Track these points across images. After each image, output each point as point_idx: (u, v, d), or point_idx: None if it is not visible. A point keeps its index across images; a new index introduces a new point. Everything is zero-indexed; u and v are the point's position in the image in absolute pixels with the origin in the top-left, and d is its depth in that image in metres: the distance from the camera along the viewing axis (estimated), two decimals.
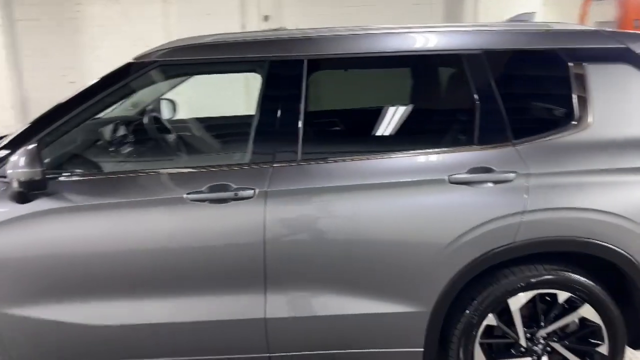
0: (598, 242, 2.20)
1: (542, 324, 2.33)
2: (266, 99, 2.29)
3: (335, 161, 2.27)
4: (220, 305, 2.27)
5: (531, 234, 2.20)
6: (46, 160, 2.24)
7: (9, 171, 2.06)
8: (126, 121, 3.19)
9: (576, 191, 2.21)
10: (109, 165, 2.53)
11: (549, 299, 2.31)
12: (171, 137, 3.06)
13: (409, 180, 2.21)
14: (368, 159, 2.28)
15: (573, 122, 2.27)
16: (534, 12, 2.78)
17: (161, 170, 2.29)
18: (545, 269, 2.26)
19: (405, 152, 2.28)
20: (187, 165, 2.34)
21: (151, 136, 3.03)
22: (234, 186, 2.20)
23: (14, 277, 2.21)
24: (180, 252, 2.20)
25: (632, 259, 2.21)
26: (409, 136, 2.51)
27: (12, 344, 2.29)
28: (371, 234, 2.21)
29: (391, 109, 2.52)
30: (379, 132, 2.51)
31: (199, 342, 2.32)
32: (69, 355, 2.33)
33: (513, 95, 2.34)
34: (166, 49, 2.36)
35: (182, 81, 3.64)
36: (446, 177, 2.20)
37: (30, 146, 2.08)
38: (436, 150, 2.28)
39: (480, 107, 2.28)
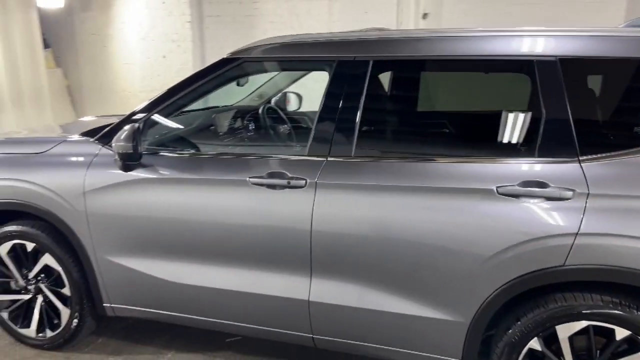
0: None
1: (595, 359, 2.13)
2: (328, 97, 2.43)
3: (386, 160, 2.33)
4: (270, 281, 2.50)
5: (584, 259, 2.03)
6: (152, 138, 2.68)
7: (113, 144, 2.53)
8: (245, 110, 3.58)
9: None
10: (206, 148, 2.88)
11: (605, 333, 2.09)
12: (265, 126, 3.35)
13: (456, 186, 2.19)
14: (419, 161, 2.29)
15: None
16: None
17: (237, 154, 2.58)
18: (602, 300, 2.06)
19: (457, 157, 2.25)
20: (258, 153, 2.57)
21: (257, 124, 3.36)
22: (289, 175, 2.39)
23: (115, 231, 2.69)
24: (240, 228, 2.47)
25: None
26: (465, 142, 2.46)
27: (110, 285, 2.78)
28: (414, 236, 2.24)
29: (451, 113, 2.48)
30: (434, 135, 2.49)
31: (250, 311, 2.58)
32: (150, 302, 2.76)
33: (585, 107, 2.15)
34: (250, 47, 2.63)
35: (303, 75, 3.94)
36: (494, 188, 2.13)
37: (131, 125, 2.52)
38: (489, 158, 2.21)
39: (547, 117, 2.14)
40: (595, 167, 2.06)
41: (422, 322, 2.31)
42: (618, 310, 2.03)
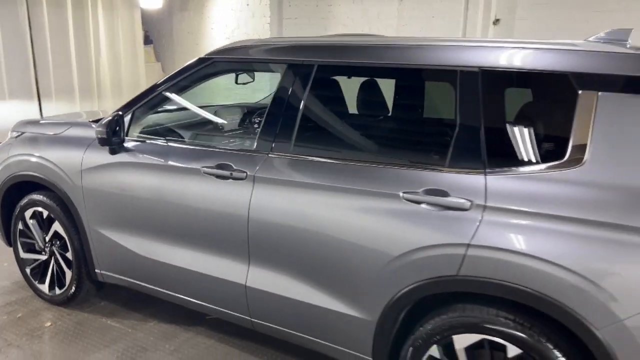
0: (552, 300, 1.90)
1: None
2: (276, 97, 2.60)
3: (316, 160, 2.46)
4: (216, 263, 2.73)
5: (475, 271, 2.03)
6: (135, 127, 3.02)
7: (94, 129, 2.91)
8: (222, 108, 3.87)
9: (532, 235, 1.94)
10: (175, 139, 3.10)
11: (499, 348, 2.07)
12: (231, 122, 3.58)
13: (368, 189, 2.27)
14: (341, 162, 2.39)
15: (563, 158, 1.97)
16: (631, 29, 2.32)
17: (199, 145, 2.84)
18: (498, 315, 2.04)
19: (375, 161, 2.32)
20: (216, 145, 2.80)
21: (226, 120, 3.63)
22: (234, 167, 2.60)
23: (101, 206, 3.07)
24: (193, 212, 2.73)
25: (593, 331, 1.84)
26: (386, 147, 2.50)
27: (99, 253, 3.18)
28: (329, 233, 2.35)
29: (378, 119, 2.53)
30: (359, 139, 2.56)
31: (201, 290, 2.83)
32: (127, 272, 3.11)
33: (498, 121, 2.13)
34: (221, 48, 2.87)
35: None
36: (400, 193, 2.19)
37: (113, 114, 2.87)
38: (403, 164, 2.26)
39: (460, 128, 2.16)
40: (498, 181, 2.05)
41: (337, 317, 2.41)
42: (510, 327, 2.01)
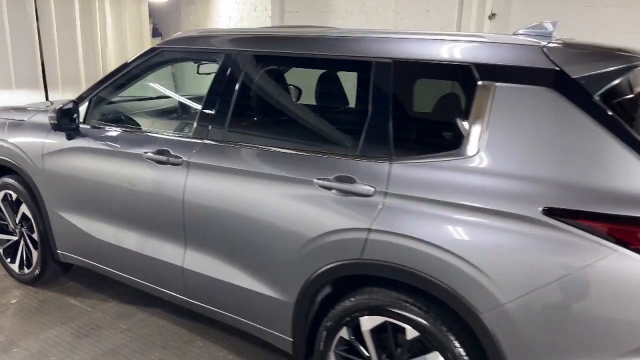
0: (441, 284, 1.95)
1: (390, 356, 2.17)
2: (213, 85, 2.69)
3: (243, 147, 2.54)
4: (158, 245, 2.84)
5: (375, 255, 2.10)
6: (92, 114, 3.15)
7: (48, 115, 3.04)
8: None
9: (425, 221, 1.99)
10: (125, 126, 3.17)
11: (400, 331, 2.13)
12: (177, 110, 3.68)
13: (287, 175, 2.34)
14: (264, 149, 2.47)
15: (458, 148, 2.01)
16: (557, 22, 2.34)
17: (145, 132, 2.95)
18: (398, 298, 2.10)
19: (295, 148, 2.40)
20: (158, 132, 2.91)
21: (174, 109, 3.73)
22: (171, 153, 2.71)
23: (59, 188, 3.21)
24: (136, 195, 2.85)
25: (477, 315, 1.89)
26: (305, 135, 2.57)
27: (58, 234, 3.33)
28: (252, 217, 2.44)
29: (296, 108, 2.62)
30: (280, 127, 2.64)
31: (145, 271, 2.95)
32: (83, 252, 3.25)
33: (405, 110, 2.18)
34: (171, 38, 2.97)
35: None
36: (314, 180, 2.26)
37: (67, 102, 3.00)
38: (320, 152, 2.32)
39: (370, 118, 2.22)
40: (400, 169, 2.10)
41: (261, 298, 2.50)
42: (408, 310, 2.06)
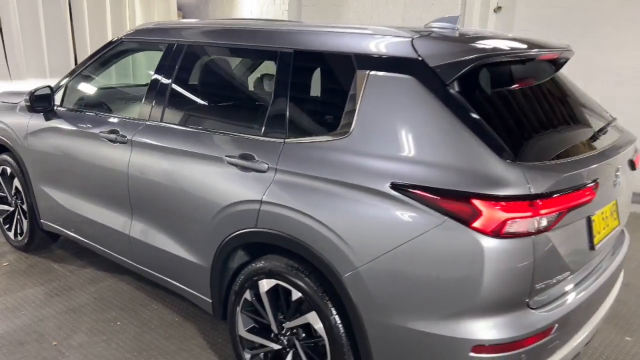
0: (313, 250, 2.18)
1: (284, 316, 2.42)
2: (155, 73, 2.99)
3: (173, 127, 2.84)
4: (112, 215, 3.18)
5: (265, 224, 2.34)
6: (66, 99, 3.52)
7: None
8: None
9: (300, 193, 2.22)
10: (90, 109, 3.48)
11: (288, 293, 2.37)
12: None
13: (203, 152, 2.62)
14: (188, 129, 2.77)
15: (338, 129, 2.23)
16: (458, 16, 2.51)
17: (103, 115, 3.30)
18: (287, 263, 2.34)
19: (214, 129, 2.67)
20: (114, 114, 3.25)
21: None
22: (120, 133, 3.04)
23: (38, 163, 3.61)
24: (94, 170, 3.20)
25: (339, 278, 2.11)
26: (224, 117, 2.84)
27: (40, 205, 3.74)
28: (177, 190, 2.74)
29: (218, 93, 2.90)
30: (203, 110, 2.94)
31: (104, 240, 3.31)
32: (59, 222, 3.65)
33: (301, 95, 2.41)
34: (130, 30, 3.29)
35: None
36: (223, 156, 2.52)
37: (40, 88, 3.39)
38: (233, 132, 2.58)
39: (272, 101, 2.46)
40: (290, 147, 2.33)
41: (187, 263, 2.79)
42: (292, 274, 2.30)
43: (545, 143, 2.10)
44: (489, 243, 1.84)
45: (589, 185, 2.03)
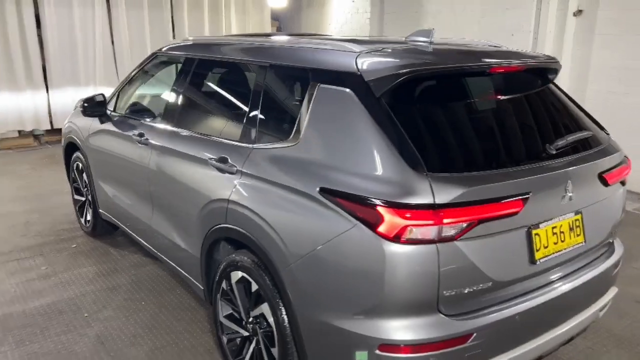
0: (263, 248, 2.41)
1: (250, 306, 2.67)
2: (172, 84, 3.39)
3: (176, 131, 3.22)
4: (140, 207, 3.64)
5: (231, 221, 2.62)
6: (120, 105, 4.06)
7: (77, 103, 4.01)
8: None
9: (254, 194, 2.47)
10: (129, 115, 3.97)
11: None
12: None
13: (195, 155, 2.96)
14: (186, 134, 3.14)
15: (291, 137, 2.44)
16: (433, 29, 2.61)
17: (137, 119, 3.77)
18: (248, 257, 2.59)
19: (204, 134, 3.01)
20: (142, 119, 3.70)
21: None
22: (145, 135, 3.48)
23: (94, 160, 4.19)
24: (129, 167, 3.68)
25: (279, 274, 2.33)
26: (213, 123, 3.12)
27: (98, 198, 4.32)
28: (177, 187, 3.12)
29: (211, 102, 3.20)
30: (198, 117, 3.23)
31: (136, 228, 3.78)
32: (109, 211, 4.20)
33: (269, 105, 2.66)
34: (164, 46, 3.73)
35: None
36: (208, 159, 2.84)
37: (95, 95, 3.95)
38: (219, 137, 2.88)
39: (247, 111, 2.74)
40: (254, 152, 2.58)
41: (185, 252, 3.14)
42: (252, 268, 2.54)
43: (463, 155, 2.15)
44: (390, 248, 1.95)
45: (512, 197, 2.05)
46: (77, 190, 4.86)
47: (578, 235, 2.39)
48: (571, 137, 2.41)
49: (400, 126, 2.09)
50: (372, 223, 1.98)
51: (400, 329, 2.02)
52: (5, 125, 8.15)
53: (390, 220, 1.94)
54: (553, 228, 2.28)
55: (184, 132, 3.15)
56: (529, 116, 2.47)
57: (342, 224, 2.07)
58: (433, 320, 2.03)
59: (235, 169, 2.62)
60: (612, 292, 2.75)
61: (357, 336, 2.07)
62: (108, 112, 4.07)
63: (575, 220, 2.37)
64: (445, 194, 1.94)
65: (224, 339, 2.89)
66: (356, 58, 2.29)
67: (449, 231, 1.95)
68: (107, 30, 8.68)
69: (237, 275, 2.68)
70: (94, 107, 3.95)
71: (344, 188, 2.09)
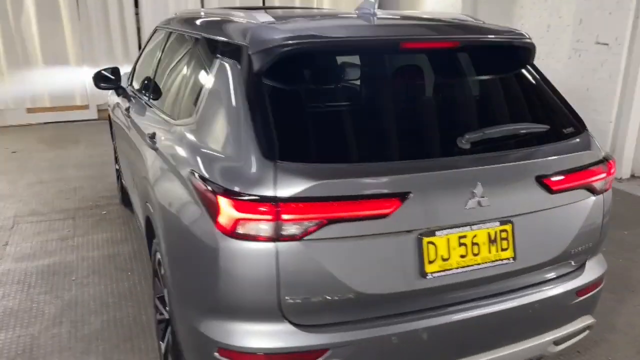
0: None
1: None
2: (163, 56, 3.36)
3: (142, 105, 3.22)
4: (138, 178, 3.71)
5: (148, 200, 2.56)
6: (131, 79, 4.16)
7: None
8: None
9: (157, 172, 2.42)
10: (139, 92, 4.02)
11: None
12: None
13: (142, 130, 2.93)
14: (146, 109, 3.13)
15: (192, 115, 2.29)
16: (375, 2, 2.31)
17: (137, 94, 3.81)
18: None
19: (156, 108, 2.95)
20: (141, 92, 3.72)
21: None
22: (130, 109, 3.52)
23: (115, 133, 4.36)
24: (125, 140, 3.76)
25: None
26: (161, 97, 3.01)
27: (121, 169, 4.47)
28: (134, 163, 3.12)
29: (167, 74, 3.06)
30: (156, 88, 3.12)
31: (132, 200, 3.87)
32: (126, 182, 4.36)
33: (188, 80, 2.55)
34: (164, 20, 3.73)
35: None
36: (146, 134, 2.79)
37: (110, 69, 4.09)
38: (160, 113, 2.81)
39: (177, 86, 2.65)
40: (172, 129, 2.48)
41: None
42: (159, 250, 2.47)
43: (328, 145, 1.85)
44: (225, 242, 1.75)
45: (379, 196, 1.73)
46: (117, 160, 5.11)
47: (504, 250, 1.97)
48: (495, 130, 1.97)
49: (268, 107, 1.86)
50: (212, 212, 1.79)
51: (239, 334, 1.82)
52: (104, 98, 8.84)
53: (226, 211, 1.73)
54: (460, 238, 1.89)
55: (146, 108, 3.13)
56: (445, 104, 2.07)
57: (195, 210, 1.90)
58: (279, 328, 1.80)
59: (156, 145, 2.54)
60: (581, 323, 2.26)
61: (203, 337, 1.90)
62: (124, 85, 4.18)
63: (502, 231, 1.95)
64: (290, 187, 1.69)
65: (158, 317, 2.84)
66: (251, 29, 2.07)
67: (290, 229, 1.70)
68: (199, 7, 9.01)
69: (156, 257, 2.61)
70: (98, 79, 4.02)
71: (203, 172, 1.91)
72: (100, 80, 4.04)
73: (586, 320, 2.28)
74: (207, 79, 2.23)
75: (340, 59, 2.06)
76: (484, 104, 2.11)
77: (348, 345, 1.81)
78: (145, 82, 3.38)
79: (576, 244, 2.12)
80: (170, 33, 3.24)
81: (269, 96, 1.87)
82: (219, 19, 2.49)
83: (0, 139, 7.47)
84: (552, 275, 2.14)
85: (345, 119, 1.98)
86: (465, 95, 2.11)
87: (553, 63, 6.83)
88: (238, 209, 1.70)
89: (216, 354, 1.85)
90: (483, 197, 1.86)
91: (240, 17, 2.31)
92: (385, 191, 1.75)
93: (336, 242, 1.74)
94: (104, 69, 4.08)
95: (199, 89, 2.39)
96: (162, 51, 3.27)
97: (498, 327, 2.04)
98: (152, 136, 2.63)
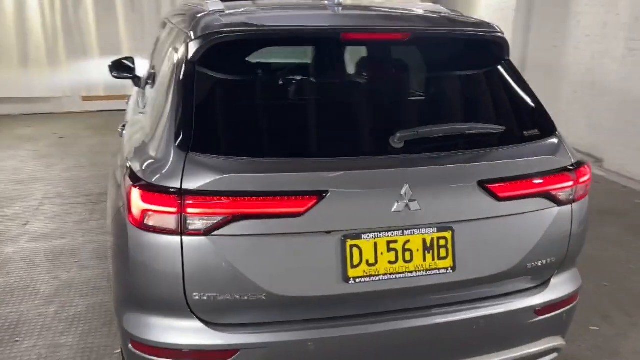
0: None
1: None
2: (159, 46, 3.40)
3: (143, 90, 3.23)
4: None
5: None
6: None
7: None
8: None
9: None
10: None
11: None
12: None
13: (130, 121, 2.95)
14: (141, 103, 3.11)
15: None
16: None
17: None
18: None
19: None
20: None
21: None
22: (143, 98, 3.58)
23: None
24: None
25: None
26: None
27: None
28: None
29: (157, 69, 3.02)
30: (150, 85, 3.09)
31: None
32: None
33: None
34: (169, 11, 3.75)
35: None
36: (122, 125, 2.82)
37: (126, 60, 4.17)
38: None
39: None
40: None
41: None
42: None
43: (245, 138, 1.77)
44: (133, 233, 1.72)
45: (291, 194, 1.64)
46: None
47: (442, 259, 1.82)
48: (429, 130, 1.81)
49: (194, 97, 1.81)
50: (128, 203, 1.76)
51: (150, 328, 1.79)
52: None
53: (135, 202, 1.70)
54: (389, 243, 1.76)
55: (140, 99, 3.17)
56: (383, 101, 1.92)
57: (121, 203, 1.88)
58: (187, 325, 1.75)
59: (123, 134, 2.55)
60: (546, 344, 2.06)
61: (122, 329, 1.89)
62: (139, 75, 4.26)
63: (440, 238, 1.80)
64: (197, 180, 1.63)
65: None
66: (195, 19, 2.03)
67: (196, 223, 1.64)
68: None
69: None
70: (115, 69, 4.11)
71: (130, 161, 1.90)
72: (114, 69, 4.13)
73: (553, 342, 2.08)
74: (165, 69, 2.21)
75: (273, 51, 1.97)
76: (434, 102, 1.95)
77: (260, 348, 1.73)
78: (145, 73, 3.42)
79: (533, 257, 1.92)
80: (165, 24, 3.26)
81: (197, 86, 1.82)
82: (189, 9, 2.46)
83: (53, 125, 7.87)
84: (504, 290, 1.96)
85: (266, 113, 1.89)
86: (409, 92, 1.96)
87: (609, 63, 6.36)
88: (145, 200, 1.67)
89: (130, 346, 1.82)
90: (413, 200, 1.72)
91: (201, 8, 2.27)
92: (298, 189, 1.65)
93: (245, 239, 1.66)
94: (121, 58, 4.17)
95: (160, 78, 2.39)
96: (157, 43, 3.30)
97: (435, 341, 1.89)
98: (124, 126, 2.66)
